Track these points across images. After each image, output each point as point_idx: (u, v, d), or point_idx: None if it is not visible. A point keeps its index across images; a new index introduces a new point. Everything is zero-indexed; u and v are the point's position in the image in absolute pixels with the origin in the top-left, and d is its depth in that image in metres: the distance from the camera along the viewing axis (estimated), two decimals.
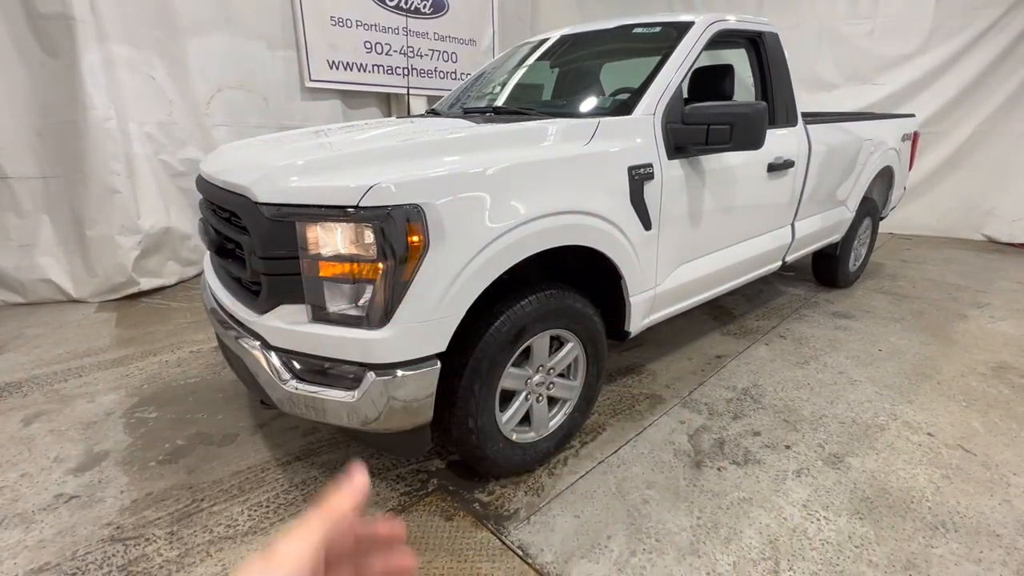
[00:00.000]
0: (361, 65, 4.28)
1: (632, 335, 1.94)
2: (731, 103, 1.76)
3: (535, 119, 1.82)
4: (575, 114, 1.86)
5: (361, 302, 1.30)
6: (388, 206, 1.22)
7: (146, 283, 3.40)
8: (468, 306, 1.36)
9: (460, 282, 1.32)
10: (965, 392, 2.30)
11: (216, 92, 3.73)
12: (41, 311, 3.16)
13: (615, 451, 1.87)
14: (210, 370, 2.44)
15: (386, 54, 4.41)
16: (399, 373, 1.32)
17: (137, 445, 1.89)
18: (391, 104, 4.78)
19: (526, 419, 1.71)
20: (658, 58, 1.95)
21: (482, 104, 2.38)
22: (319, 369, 1.39)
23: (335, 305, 1.31)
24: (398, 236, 1.23)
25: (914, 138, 3.82)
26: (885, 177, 3.57)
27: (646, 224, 1.76)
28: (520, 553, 1.43)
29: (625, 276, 1.75)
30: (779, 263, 2.74)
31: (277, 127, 4.04)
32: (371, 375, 1.31)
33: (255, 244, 1.32)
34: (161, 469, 1.76)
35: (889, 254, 4.68)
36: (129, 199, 3.25)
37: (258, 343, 1.44)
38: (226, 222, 1.49)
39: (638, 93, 1.84)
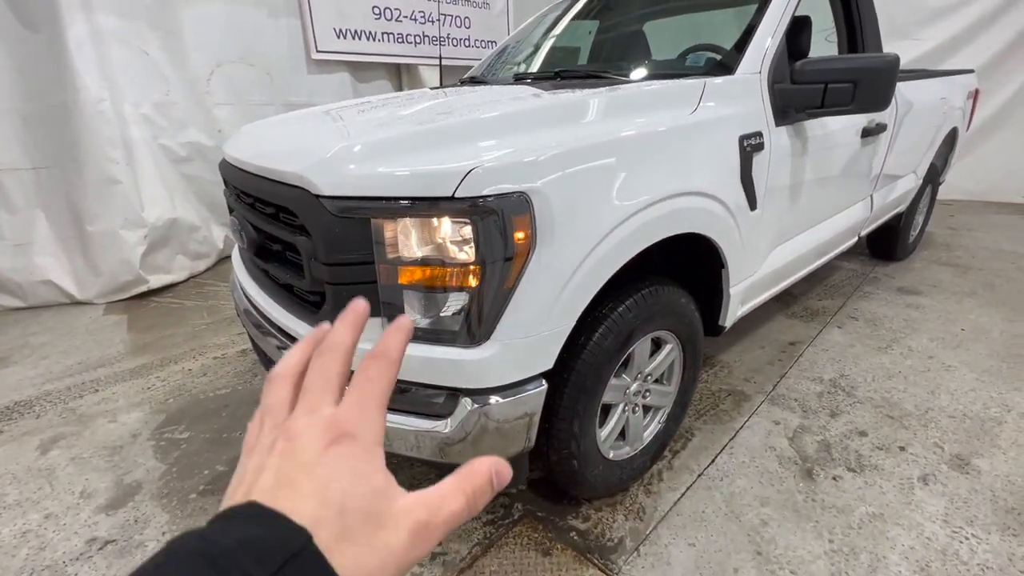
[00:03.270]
0: (371, 33, 3.92)
1: (726, 330, 1.71)
2: (854, 56, 1.49)
3: (615, 83, 1.54)
4: (666, 75, 1.58)
5: (454, 315, 1.05)
6: (491, 195, 0.96)
7: (155, 280, 3.14)
8: (579, 315, 1.12)
9: (572, 287, 1.08)
10: None
11: (216, 67, 3.39)
12: (44, 315, 2.90)
13: (712, 461, 1.67)
14: (240, 379, 2.21)
15: (396, 20, 4.05)
16: (501, 398, 1.09)
17: (172, 473, 1.67)
18: (402, 76, 4.44)
19: (620, 433, 1.49)
20: (754, 7, 1.66)
21: (535, 69, 2.09)
22: (399, 394, 1.16)
23: (421, 319, 1.07)
24: (502, 232, 0.98)
25: (975, 96, 3.54)
26: (950, 139, 3.30)
27: (752, 203, 1.51)
28: None
29: (729, 265, 1.51)
30: (855, 238, 2.50)
31: (283, 104, 3.72)
32: (467, 402, 1.08)
33: (317, 247, 1.06)
34: (204, 502, 1.55)
35: (934, 222, 4.43)
36: (131, 189, 2.95)
37: None
38: (271, 219, 1.23)
39: (738, 48, 1.57)
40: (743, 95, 1.47)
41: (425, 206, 0.98)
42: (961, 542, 1.36)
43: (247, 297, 1.54)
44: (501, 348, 1.05)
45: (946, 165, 3.57)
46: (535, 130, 1.13)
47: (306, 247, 1.10)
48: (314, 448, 0.27)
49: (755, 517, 1.45)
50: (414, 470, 1.65)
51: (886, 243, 3.31)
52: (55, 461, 1.74)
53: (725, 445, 1.74)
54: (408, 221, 1.00)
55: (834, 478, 1.59)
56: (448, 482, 0.29)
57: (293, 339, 1.28)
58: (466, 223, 0.98)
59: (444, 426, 1.09)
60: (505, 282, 1.02)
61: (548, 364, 1.13)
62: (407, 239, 1.02)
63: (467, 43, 4.57)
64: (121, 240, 2.95)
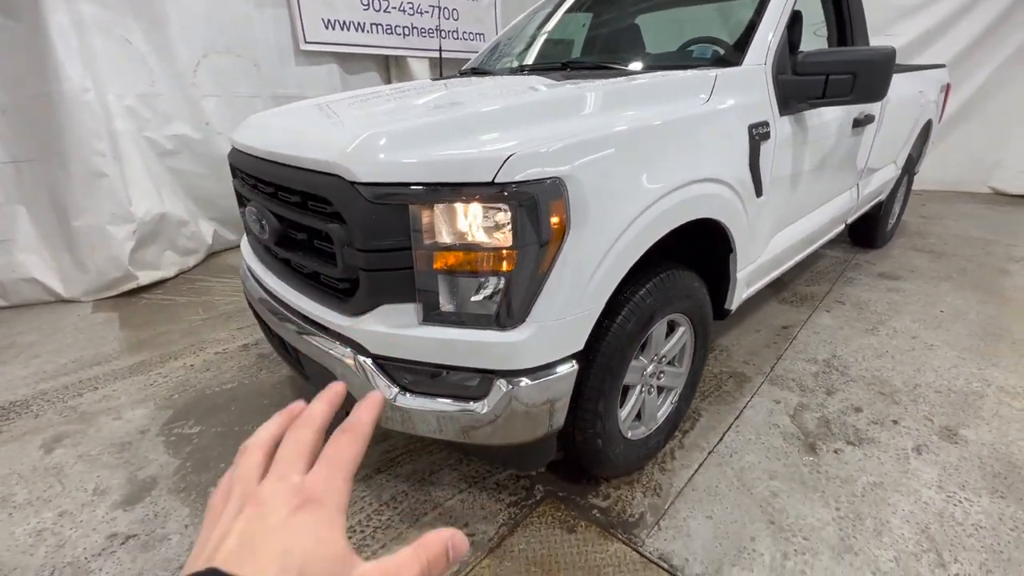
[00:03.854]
0: (359, 24, 3.88)
1: (731, 313, 1.78)
2: (852, 48, 1.57)
3: (624, 74, 1.58)
4: (674, 67, 1.62)
5: (490, 299, 1.08)
6: (529, 180, 0.99)
7: (144, 277, 3.06)
8: (608, 296, 1.16)
9: (603, 270, 1.12)
10: None
11: (202, 58, 3.31)
12: (28, 315, 2.81)
13: (720, 439, 1.73)
14: (245, 373, 2.19)
15: (385, 11, 4.01)
16: (535, 379, 1.12)
17: (187, 467, 1.66)
18: (390, 68, 4.40)
19: (636, 414, 1.54)
20: (754, 1, 1.72)
21: (538, 61, 2.11)
22: (430, 379, 1.18)
23: (457, 304, 1.09)
24: (540, 217, 1.01)
25: (947, 90, 3.70)
26: (925, 131, 3.45)
27: (758, 190, 1.57)
28: (666, 566, 1.29)
29: (737, 249, 1.58)
30: (843, 226, 2.61)
31: (270, 97, 3.66)
32: (501, 383, 1.11)
33: (353, 234, 1.07)
34: None
35: (908, 211, 4.61)
36: (118, 183, 2.87)
37: (349, 350, 1.22)
38: (298, 208, 1.23)
39: (742, 40, 1.62)
40: (750, 86, 1.52)
41: (464, 192, 1.01)
42: (955, 505, 1.46)
43: (262, 285, 1.53)
44: (536, 330, 1.08)
45: (921, 156, 3.73)
46: (564, 118, 1.16)
47: (339, 234, 1.11)
48: (280, 513, 0.28)
49: (765, 489, 1.52)
50: (433, 457, 1.67)
51: (866, 231, 3.45)
52: (62, 459, 1.71)
53: (731, 424, 1.81)
54: (446, 207, 1.02)
55: (835, 451, 1.68)
56: (406, 551, 0.30)
57: (316, 325, 1.29)
58: (504, 208, 1.01)
59: (481, 407, 1.12)
60: (540, 266, 1.05)
61: (579, 345, 1.16)
62: (445, 225, 1.04)
63: (456, 35, 4.55)
64: (109, 236, 2.86)
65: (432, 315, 1.12)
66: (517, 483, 1.56)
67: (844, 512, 1.44)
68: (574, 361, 1.17)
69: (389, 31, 4.05)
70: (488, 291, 1.08)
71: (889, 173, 3.01)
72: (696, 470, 1.60)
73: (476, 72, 2.24)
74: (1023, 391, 1.97)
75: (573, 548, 1.35)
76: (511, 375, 1.12)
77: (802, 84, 1.58)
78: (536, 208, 1.00)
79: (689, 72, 1.47)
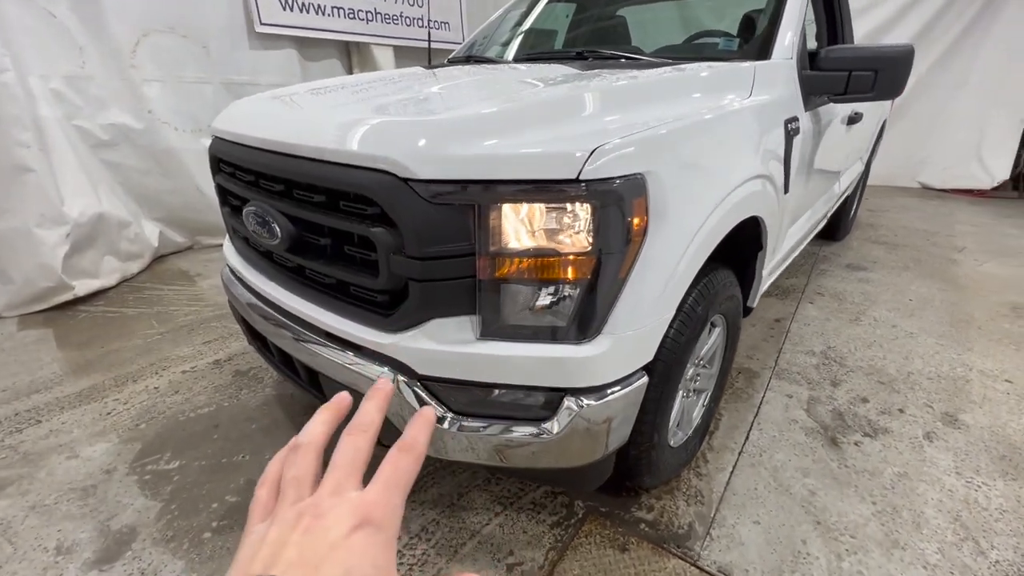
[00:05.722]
0: (319, 7, 3.59)
1: (753, 310, 1.77)
2: (874, 45, 1.57)
3: (653, 65, 1.51)
4: (702, 58, 1.56)
5: (563, 309, 0.97)
6: (614, 177, 0.89)
7: (81, 287, 2.67)
8: (680, 301, 1.09)
9: (679, 273, 1.04)
10: (1007, 335, 2.42)
11: (142, 37, 2.92)
12: None
13: (746, 438, 1.72)
14: (222, 394, 1.94)
15: None
16: (607, 396, 1.02)
17: (171, 511, 1.43)
18: (351, 56, 4.12)
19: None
20: None
21: (546, 49, 2.00)
22: (485, 400, 1.05)
23: (524, 315, 0.97)
24: (623, 218, 0.91)
25: None
26: (881, 129, 3.66)
27: (786, 186, 1.55)
28: None
29: (767, 246, 1.55)
30: (825, 220, 2.70)
31: (222, 82, 3.31)
32: (572, 402, 1.01)
33: (407, 239, 0.92)
34: (224, 540, 1.33)
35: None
36: (46, 179, 2.47)
37: (386, 370, 1.07)
38: (325, 209, 1.06)
39: (768, 33, 1.59)
40: (782, 80, 1.50)
41: (542, 189, 0.89)
42: (976, 490, 1.51)
43: (252, 290, 1.35)
44: (613, 342, 0.99)
45: (874, 152, 3.96)
46: (628, 109, 1.06)
47: (385, 240, 0.95)
48: (339, 530, 0.28)
49: (803, 488, 1.52)
50: (458, 477, 1.53)
51: (831, 225, 3.61)
52: (7, 514, 1.42)
53: (752, 422, 1.80)
54: (520, 207, 0.90)
55: (856, 444, 1.70)
56: None
57: (344, 343, 1.13)
58: (586, 208, 0.90)
59: (553, 426, 1.01)
60: (619, 271, 0.96)
61: (650, 356, 1.08)
62: (517, 227, 0.91)
63: (420, 23, 4.33)
64: (37, 240, 2.47)
65: (493, 329, 0.99)
66: (555, 501, 1.46)
67: (881, 506, 1.45)
68: (644, 373, 1.08)
69: (351, 15, 3.78)
70: (562, 301, 0.97)
71: (858, 169, 3.16)
72: (732, 473, 1.57)
73: (476, 60, 2.09)
74: (1000, 374, 2.10)
75: (629, 568, 1.27)
76: (582, 392, 1.01)
77: (825, 79, 1.57)
78: (621, 207, 0.90)
79: (731, 65, 1.42)
